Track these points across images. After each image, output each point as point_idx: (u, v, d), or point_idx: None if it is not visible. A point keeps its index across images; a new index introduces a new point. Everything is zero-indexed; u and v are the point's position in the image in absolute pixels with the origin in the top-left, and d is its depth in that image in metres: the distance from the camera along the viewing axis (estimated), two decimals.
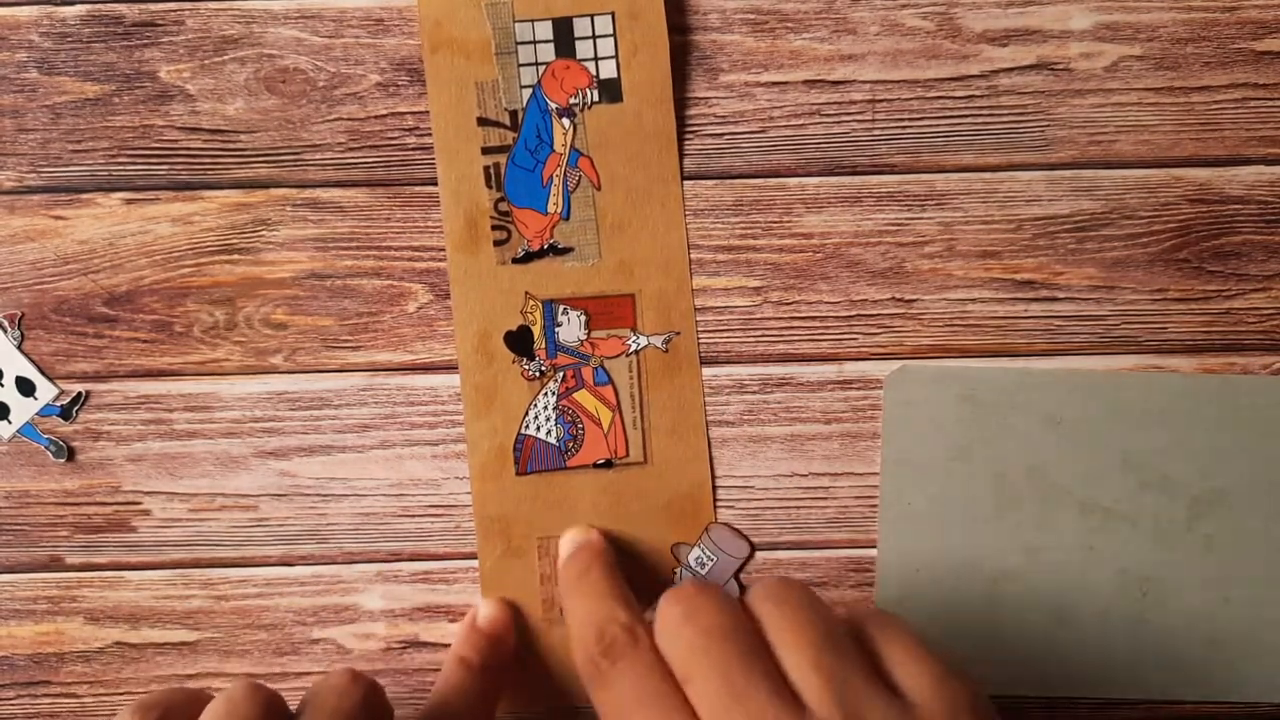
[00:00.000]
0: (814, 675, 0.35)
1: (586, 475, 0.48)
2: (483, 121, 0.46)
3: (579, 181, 0.46)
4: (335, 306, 0.47)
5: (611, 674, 0.37)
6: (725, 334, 0.48)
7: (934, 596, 0.48)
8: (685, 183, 0.47)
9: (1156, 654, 0.48)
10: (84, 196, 0.47)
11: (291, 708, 0.39)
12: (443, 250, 0.47)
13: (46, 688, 0.50)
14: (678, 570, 0.48)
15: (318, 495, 0.48)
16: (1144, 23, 0.46)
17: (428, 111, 0.46)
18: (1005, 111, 0.47)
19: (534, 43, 0.45)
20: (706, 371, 0.48)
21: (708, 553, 0.48)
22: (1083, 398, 0.47)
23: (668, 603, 0.38)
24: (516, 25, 0.45)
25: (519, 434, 0.47)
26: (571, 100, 0.46)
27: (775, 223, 0.47)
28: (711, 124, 0.47)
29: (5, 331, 0.47)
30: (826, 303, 0.48)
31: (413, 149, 0.47)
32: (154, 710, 0.37)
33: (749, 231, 0.47)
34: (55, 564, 0.49)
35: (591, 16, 0.45)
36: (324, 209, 0.47)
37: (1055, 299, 0.47)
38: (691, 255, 0.47)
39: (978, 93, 0.47)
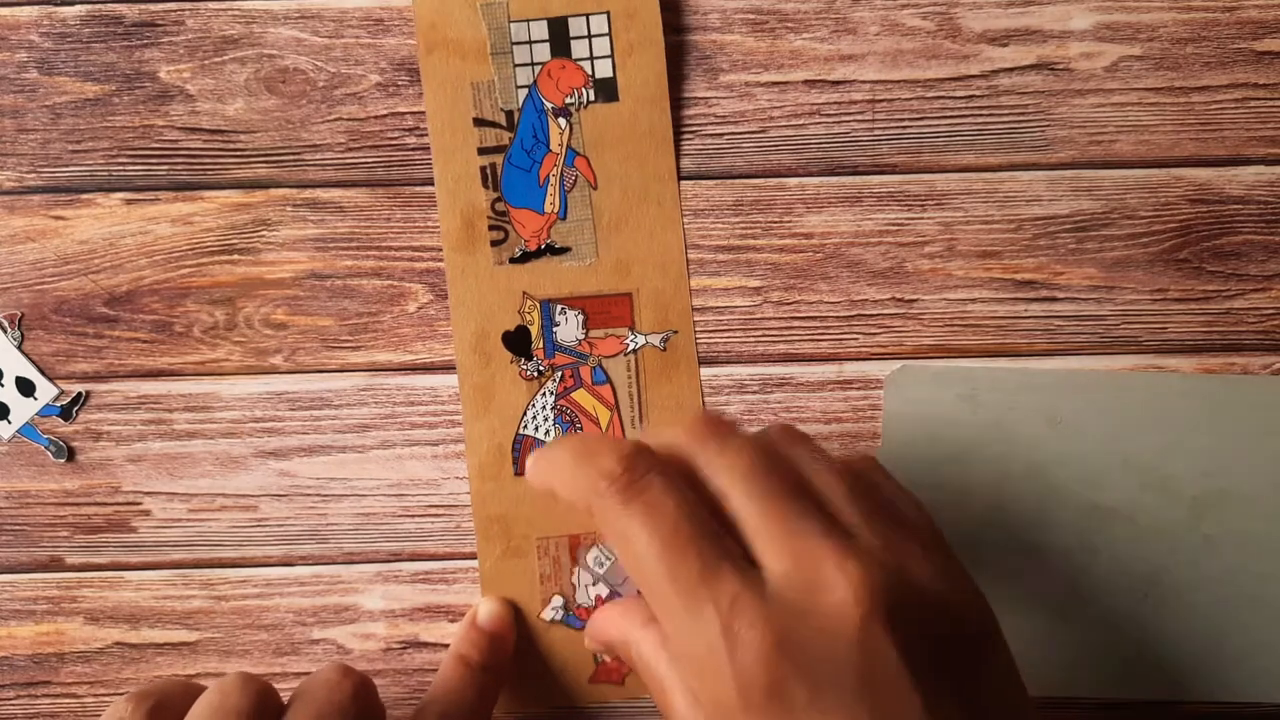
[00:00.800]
0: (850, 508, 0.38)
1: None
2: (479, 122, 0.46)
3: (576, 181, 0.46)
4: (335, 306, 0.48)
5: (642, 485, 0.37)
6: (725, 334, 0.48)
7: None
8: (686, 183, 0.47)
9: (1156, 654, 0.48)
10: (84, 196, 0.47)
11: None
12: (442, 250, 0.47)
13: (46, 688, 0.50)
14: (575, 570, 0.48)
15: (318, 495, 0.48)
16: (1144, 23, 0.46)
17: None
18: (1005, 111, 0.47)
19: (529, 43, 0.46)
20: (706, 371, 0.48)
21: (605, 552, 0.48)
22: (1083, 398, 0.47)
23: (692, 434, 0.39)
24: (512, 25, 0.45)
25: (517, 434, 0.47)
26: (567, 100, 0.46)
27: (775, 223, 0.47)
28: (711, 124, 0.47)
29: (5, 331, 0.47)
30: (826, 303, 0.48)
31: (412, 149, 0.47)
32: (148, 700, 0.38)
33: (749, 231, 0.47)
34: (55, 564, 0.49)
35: (587, 16, 0.45)
36: (324, 209, 0.47)
37: (1055, 299, 0.47)
38: (692, 255, 0.47)
39: (978, 93, 0.47)
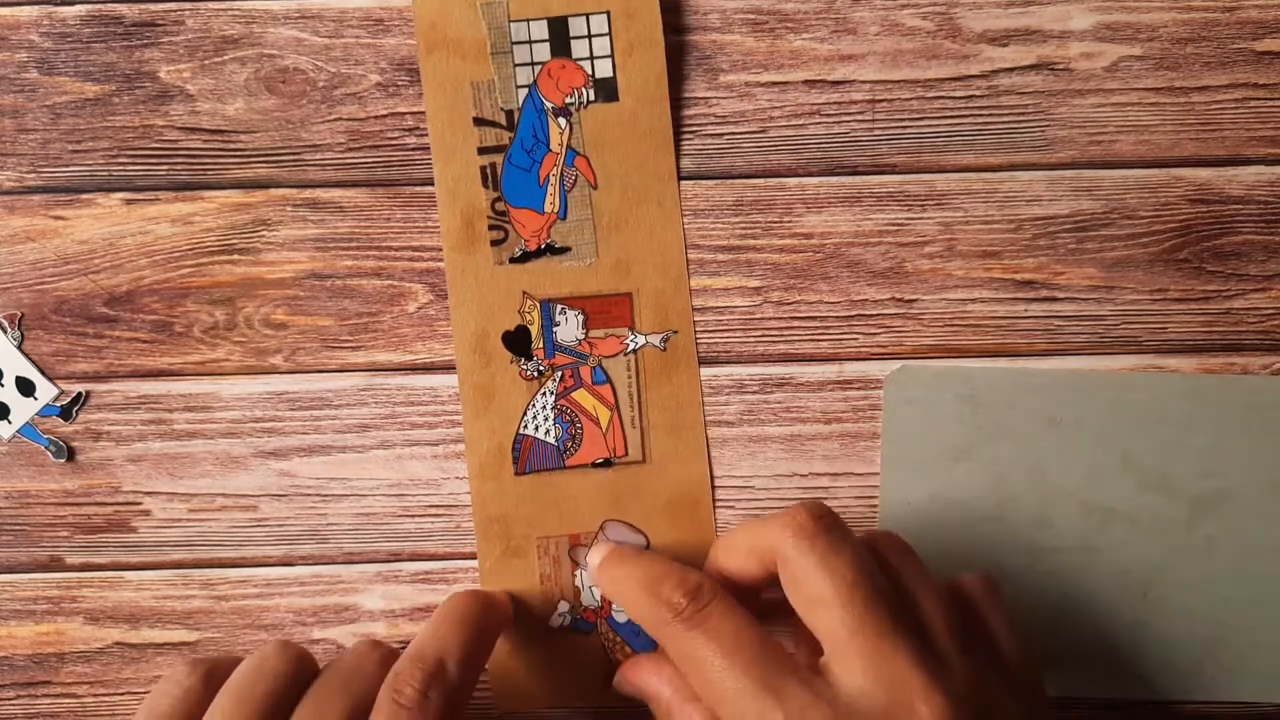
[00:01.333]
0: (948, 635, 0.39)
1: (585, 474, 0.48)
2: (479, 121, 0.46)
3: (576, 181, 0.46)
4: (335, 306, 0.48)
5: (705, 614, 0.39)
6: (725, 334, 0.48)
7: None
8: (686, 183, 0.47)
9: (1156, 654, 0.48)
10: (84, 196, 0.47)
11: None
12: (442, 250, 0.47)
13: (46, 688, 0.50)
14: (577, 572, 0.48)
15: (318, 495, 0.48)
16: (1144, 23, 0.46)
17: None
18: (1005, 111, 0.47)
19: (529, 42, 0.46)
20: (706, 371, 0.48)
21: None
22: (1083, 398, 0.47)
23: (800, 529, 0.40)
24: (512, 25, 0.45)
25: (517, 434, 0.47)
26: (567, 100, 0.46)
27: (775, 223, 0.47)
28: (711, 124, 0.47)
29: (5, 331, 0.47)
30: (826, 303, 0.48)
31: (412, 149, 0.47)
32: (202, 665, 0.42)
33: (749, 231, 0.47)
34: (55, 564, 0.49)
35: (587, 16, 0.45)
36: (324, 209, 0.47)
37: (1055, 299, 0.47)
38: (692, 255, 0.47)
39: (978, 93, 0.47)
